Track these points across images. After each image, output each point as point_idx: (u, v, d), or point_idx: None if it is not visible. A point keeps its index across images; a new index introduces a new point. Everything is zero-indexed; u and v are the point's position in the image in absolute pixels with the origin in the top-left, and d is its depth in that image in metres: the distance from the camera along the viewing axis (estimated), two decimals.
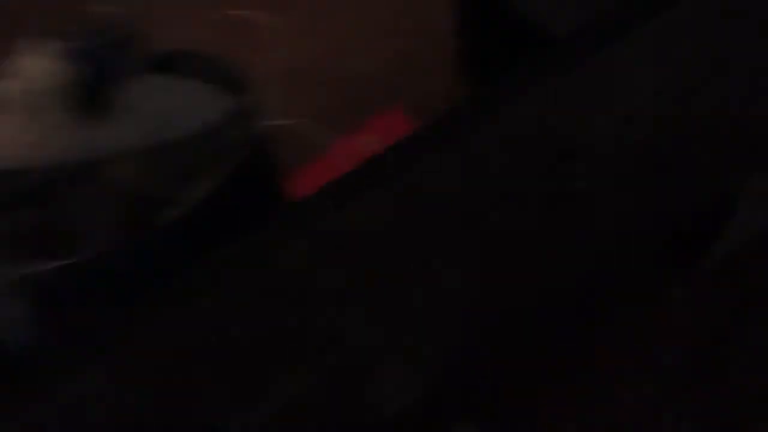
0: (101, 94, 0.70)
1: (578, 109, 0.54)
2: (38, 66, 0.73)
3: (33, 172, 0.64)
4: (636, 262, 0.87)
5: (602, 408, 0.89)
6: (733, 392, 0.90)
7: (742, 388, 0.90)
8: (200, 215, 0.67)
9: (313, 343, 0.54)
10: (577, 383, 0.89)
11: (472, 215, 0.54)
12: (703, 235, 0.91)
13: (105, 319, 0.44)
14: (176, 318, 0.43)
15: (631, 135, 0.61)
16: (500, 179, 0.53)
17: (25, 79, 0.72)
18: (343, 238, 0.47)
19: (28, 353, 0.62)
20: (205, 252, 0.45)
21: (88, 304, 0.63)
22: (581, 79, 0.51)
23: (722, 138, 0.72)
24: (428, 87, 1.21)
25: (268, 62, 1.23)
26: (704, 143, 0.70)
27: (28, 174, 0.64)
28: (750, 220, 0.93)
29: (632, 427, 0.88)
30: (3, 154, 0.65)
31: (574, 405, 0.89)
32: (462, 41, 1.13)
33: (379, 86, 1.22)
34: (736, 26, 0.59)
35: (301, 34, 1.26)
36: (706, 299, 0.95)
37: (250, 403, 0.54)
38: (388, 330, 0.60)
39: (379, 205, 0.48)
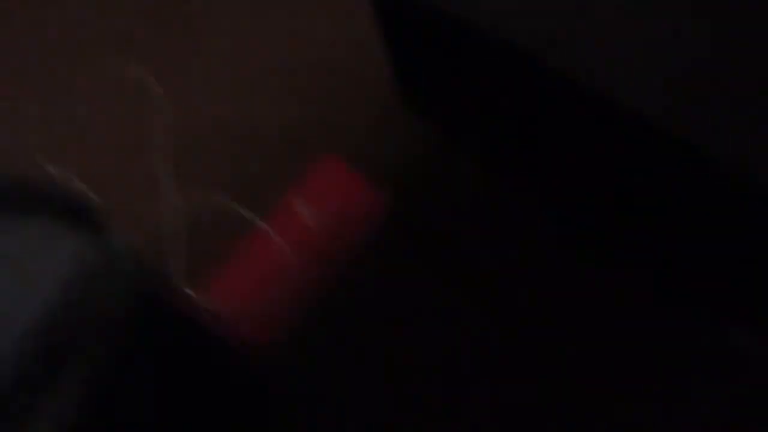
0: None
1: None
2: None
3: None
4: None
5: None
6: None
7: None
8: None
9: None
10: None
11: None
12: None
13: None
14: None
15: None
16: None
17: None
18: None
19: None
20: None
21: None
22: None
23: None
24: (355, 127, 1.23)
25: (166, 130, 1.28)
26: None
27: None
28: None
29: None
30: None
31: None
32: (394, 60, 1.11)
33: (297, 137, 1.23)
34: None
35: (197, 97, 1.29)
36: None
37: None
38: None
39: None
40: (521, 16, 0.81)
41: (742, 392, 0.93)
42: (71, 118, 1.30)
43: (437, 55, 0.99)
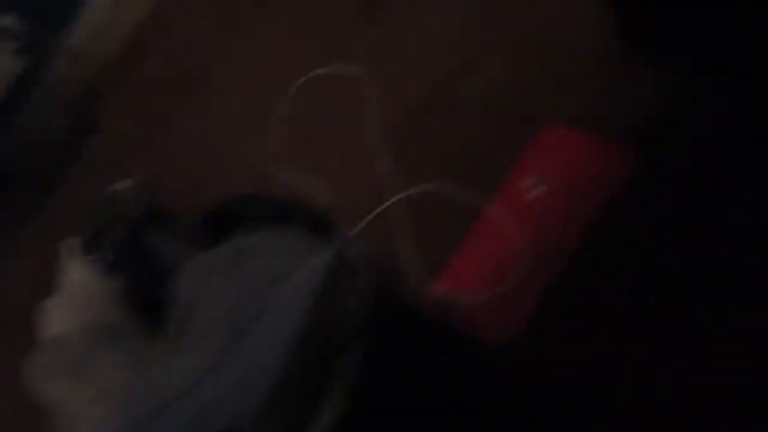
0: (153, 301, 0.72)
1: None
2: (83, 278, 0.78)
3: None
4: None
5: None
6: None
7: None
8: None
9: None
10: None
11: None
12: None
13: None
14: None
15: None
16: None
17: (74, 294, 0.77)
18: None
19: None
20: None
21: None
22: None
23: None
24: (577, 90, 1.15)
25: (377, 114, 1.28)
26: None
27: None
28: None
29: None
30: None
31: None
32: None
33: (520, 107, 1.18)
34: None
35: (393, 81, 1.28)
36: None
37: None
38: None
39: None
40: None
41: None
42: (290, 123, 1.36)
43: None
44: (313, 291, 0.72)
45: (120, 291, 0.77)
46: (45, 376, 0.78)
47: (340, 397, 0.67)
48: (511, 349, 1.04)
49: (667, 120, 1.07)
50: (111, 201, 1.13)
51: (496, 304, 1.07)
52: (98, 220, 0.95)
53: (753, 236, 0.97)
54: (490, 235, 1.12)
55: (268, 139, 1.34)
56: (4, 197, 1.67)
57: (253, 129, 1.39)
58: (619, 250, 1.04)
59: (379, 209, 1.20)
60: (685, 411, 0.93)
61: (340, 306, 0.73)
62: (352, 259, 0.75)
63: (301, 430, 0.66)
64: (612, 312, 1.01)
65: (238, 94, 1.47)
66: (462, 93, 1.23)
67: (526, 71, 1.20)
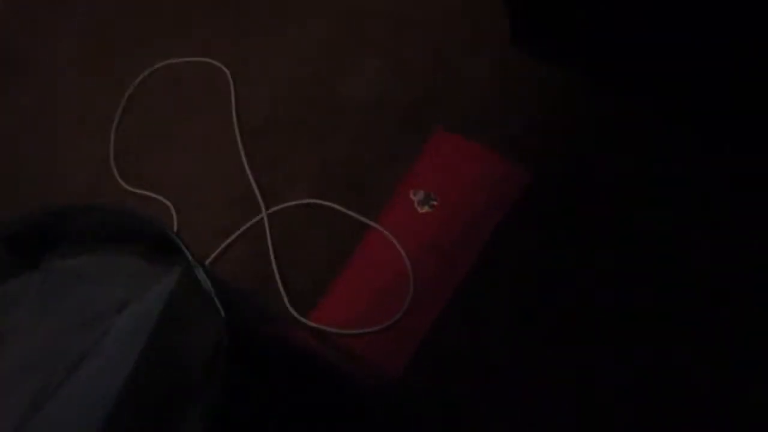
0: None
1: None
2: None
3: None
4: None
5: None
6: None
7: None
8: None
9: None
10: None
11: None
12: None
13: None
14: None
15: None
16: None
17: None
18: None
19: None
20: None
21: None
22: None
23: None
24: (469, 94, 1.05)
25: (240, 117, 1.13)
26: None
27: None
28: None
29: None
30: None
31: None
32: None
33: (408, 109, 1.06)
34: None
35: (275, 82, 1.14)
36: None
37: None
38: None
39: None
40: None
41: None
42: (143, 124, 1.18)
43: None
44: (152, 327, 0.62)
45: None
46: None
47: None
48: (393, 390, 0.92)
49: (558, 126, 1.00)
50: None
51: (380, 339, 0.95)
52: None
53: (655, 245, 0.91)
54: (374, 257, 0.99)
55: (105, 138, 1.17)
56: None
57: (86, 127, 1.20)
58: (512, 278, 0.94)
59: (244, 227, 1.05)
60: None
61: (187, 345, 0.63)
62: (204, 287, 0.64)
63: None
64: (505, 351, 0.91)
65: (68, 84, 1.26)
66: (342, 96, 1.10)
67: (414, 73, 1.09)
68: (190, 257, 0.64)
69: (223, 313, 0.62)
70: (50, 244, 0.70)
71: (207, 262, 1.03)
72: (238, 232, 1.04)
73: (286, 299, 0.98)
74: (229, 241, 1.03)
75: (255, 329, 0.73)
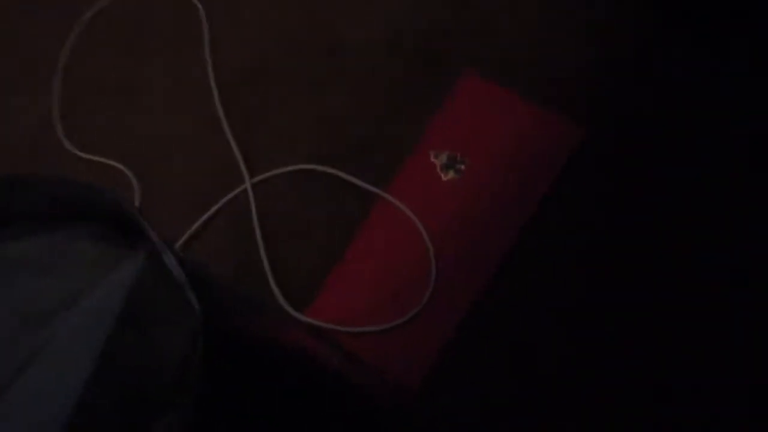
0: None
1: None
2: None
3: None
4: None
5: None
6: None
7: None
8: None
9: None
10: None
11: None
12: None
13: None
14: None
15: None
16: None
17: None
18: None
19: None
20: None
21: None
22: None
23: None
24: (499, 33, 0.97)
25: (218, 60, 1.05)
26: None
27: None
28: None
29: None
30: None
31: None
32: None
33: (425, 49, 0.99)
34: None
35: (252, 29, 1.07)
36: None
37: None
38: None
39: None
40: None
41: None
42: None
43: None
44: (110, 326, 0.58)
45: None
46: None
47: None
48: (406, 406, 0.86)
49: (615, 85, 0.91)
50: None
51: (392, 340, 0.87)
52: None
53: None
54: (386, 236, 0.92)
55: (49, 90, 1.08)
56: None
57: (26, 77, 1.11)
58: (560, 264, 0.85)
59: (223, 201, 0.97)
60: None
61: (153, 346, 0.60)
62: (174, 275, 0.62)
63: None
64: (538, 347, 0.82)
65: (5, 21, 1.17)
66: (343, 35, 1.02)
67: (435, 6, 0.99)
68: (155, 239, 0.61)
69: (197, 307, 0.60)
70: None
71: (178, 244, 0.95)
72: (215, 207, 0.98)
73: (276, 289, 0.92)
74: (204, 218, 0.98)
75: (239, 326, 0.70)
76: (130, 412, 0.56)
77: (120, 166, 1.01)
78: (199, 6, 1.08)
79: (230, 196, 0.97)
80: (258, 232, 0.95)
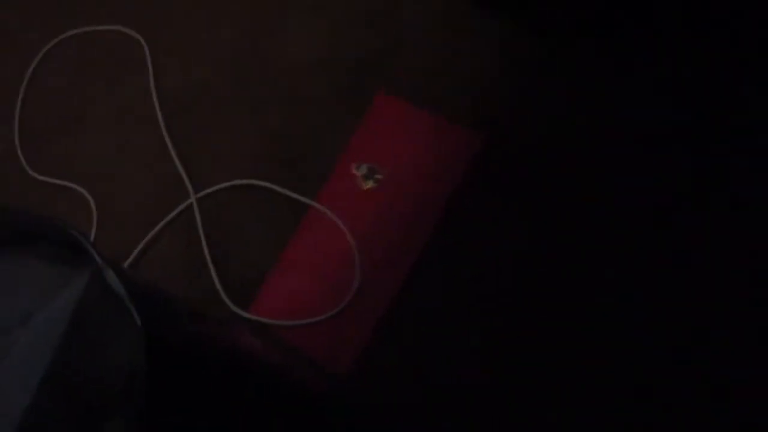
0: None
1: None
2: None
3: None
4: None
5: None
6: None
7: None
8: None
9: None
10: None
11: None
12: None
13: None
14: None
15: None
16: None
17: None
18: None
19: None
20: None
21: None
22: None
23: None
24: (412, 54, 1.02)
25: (159, 87, 1.08)
26: None
27: None
28: None
29: None
30: None
31: None
32: None
33: (345, 73, 1.04)
34: None
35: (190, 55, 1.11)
36: None
37: None
38: None
39: None
40: None
41: None
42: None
43: None
44: (60, 336, 0.61)
45: None
46: None
47: None
48: (340, 390, 0.92)
49: (511, 88, 0.97)
50: None
51: (325, 331, 0.92)
52: None
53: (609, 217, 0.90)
54: (316, 239, 0.97)
55: (9, 120, 1.12)
56: None
57: None
58: (471, 257, 0.92)
59: (171, 215, 1.02)
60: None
61: (100, 357, 0.62)
62: (118, 290, 0.63)
63: None
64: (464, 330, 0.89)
65: None
66: (271, 62, 1.07)
67: (349, 34, 1.05)
68: (97, 258, 0.62)
69: (138, 321, 0.61)
70: None
71: (133, 254, 1.00)
72: (165, 221, 1.02)
73: (222, 292, 0.97)
74: (155, 231, 1.01)
75: (182, 332, 0.71)
76: (79, 416, 0.58)
77: (77, 187, 1.06)
78: (141, 39, 1.12)
79: (178, 210, 1.02)
80: (203, 240, 1.00)
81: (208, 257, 0.98)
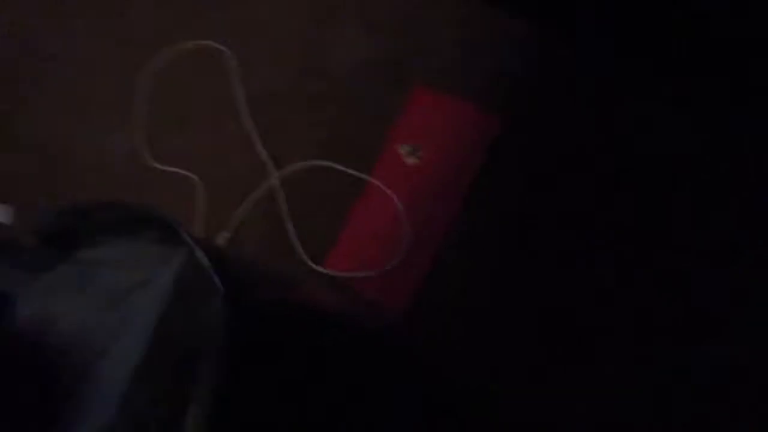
0: None
1: None
2: None
3: None
4: None
5: None
6: None
7: None
8: None
9: None
10: None
11: None
12: None
13: None
14: None
15: None
16: None
17: None
18: None
19: None
20: None
21: None
22: None
23: None
24: (441, 48, 1.19)
25: (245, 93, 1.29)
26: None
27: None
28: None
29: None
30: None
31: None
32: None
33: (386, 72, 1.21)
34: None
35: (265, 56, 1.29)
36: None
37: None
38: None
39: None
40: None
41: None
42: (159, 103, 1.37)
43: None
44: (167, 298, 0.75)
45: None
46: None
47: (206, 401, 0.70)
48: (397, 329, 1.11)
49: (530, 81, 1.14)
50: None
51: (384, 280, 1.13)
52: None
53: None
54: (373, 207, 1.18)
55: (128, 126, 1.35)
56: None
57: (109, 120, 1.38)
58: (496, 217, 1.10)
59: (257, 193, 1.25)
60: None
61: (194, 314, 0.75)
62: (204, 264, 0.76)
63: None
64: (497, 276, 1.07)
65: (86, 78, 1.42)
66: (328, 64, 1.27)
67: (386, 35, 1.24)
68: (188, 239, 0.76)
69: (221, 289, 0.74)
70: (76, 237, 0.83)
71: (232, 228, 1.22)
72: (254, 196, 1.25)
73: (302, 252, 1.19)
74: (248, 205, 1.23)
75: (261, 295, 0.84)
76: (178, 363, 0.70)
77: (189, 173, 1.30)
78: (228, 51, 1.33)
79: (264, 187, 1.24)
80: (285, 212, 1.21)
81: (288, 225, 1.20)
